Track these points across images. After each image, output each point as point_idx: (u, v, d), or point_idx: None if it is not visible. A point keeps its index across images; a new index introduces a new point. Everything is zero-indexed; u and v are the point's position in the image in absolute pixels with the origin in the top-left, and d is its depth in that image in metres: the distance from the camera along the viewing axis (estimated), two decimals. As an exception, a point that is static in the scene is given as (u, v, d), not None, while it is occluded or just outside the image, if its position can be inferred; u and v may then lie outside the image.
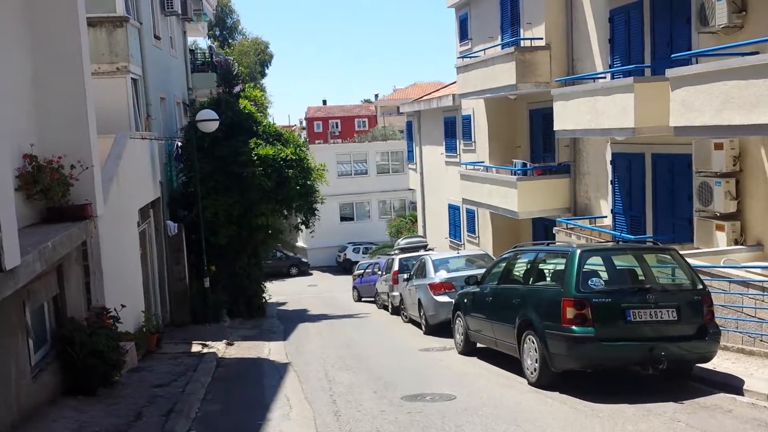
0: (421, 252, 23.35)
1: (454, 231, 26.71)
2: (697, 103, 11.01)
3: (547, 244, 11.95)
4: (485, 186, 20.42)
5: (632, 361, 8.95)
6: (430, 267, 17.03)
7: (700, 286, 9.16)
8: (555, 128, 16.46)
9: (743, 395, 8.45)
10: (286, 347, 15.24)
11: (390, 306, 21.75)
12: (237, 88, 22.52)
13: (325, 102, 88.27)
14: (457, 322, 12.82)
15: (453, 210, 26.53)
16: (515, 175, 18.63)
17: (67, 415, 7.82)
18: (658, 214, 14.60)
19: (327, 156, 42.96)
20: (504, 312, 10.46)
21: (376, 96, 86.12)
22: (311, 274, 46.65)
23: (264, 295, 23.23)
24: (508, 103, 20.86)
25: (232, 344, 14.82)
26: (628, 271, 9.64)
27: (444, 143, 27.11)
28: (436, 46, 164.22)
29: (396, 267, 21.35)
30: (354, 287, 30.86)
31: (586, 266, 9.14)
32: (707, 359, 9.08)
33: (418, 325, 17.24)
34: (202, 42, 37.55)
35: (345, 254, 47.66)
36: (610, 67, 15.58)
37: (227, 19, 62.86)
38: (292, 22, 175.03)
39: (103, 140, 11.62)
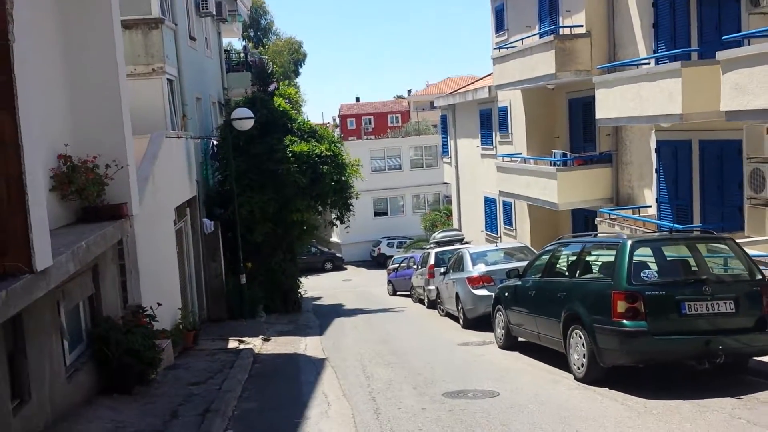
0: (458, 245, 23.01)
1: (491, 224, 26.35)
2: (750, 86, 10.55)
3: (594, 235, 11.56)
4: (523, 178, 20.05)
5: (687, 356, 8.55)
6: (468, 260, 16.74)
7: (759, 277, 8.74)
8: (597, 117, 16.08)
9: (805, 390, 8.02)
10: (323, 342, 15.10)
11: (426, 300, 21.50)
12: (271, 87, 22.48)
13: (358, 99, 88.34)
14: (497, 315, 12.51)
15: (489, 203, 26.17)
16: (554, 165, 18.24)
17: (102, 415, 7.70)
18: (706, 202, 14.12)
19: (361, 152, 42.72)
20: (548, 305, 10.17)
21: (409, 92, 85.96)
22: (346, 269, 46.57)
23: (299, 290, 23.27)
24: (546, 93, 20.44)
25: (268, 340, 14.74)
26: (681, 262, 9.23)
27: (480, 136, 26.72)
28: (469, 41, 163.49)
29: (432, 261, 21.09)
30: (389, 281, 30.65)
31: (635, 257, 8.77)
32: (767, 352, 8.67)
33: (455, 318, 16.97)
34: (237, 44, 37.76)
35: (379, 249, 47.47)
36: (654, 52, 15.11)
37: (261, 20, 62.84)
38: (325, 21, 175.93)
39: (139, 140, 11.60)
